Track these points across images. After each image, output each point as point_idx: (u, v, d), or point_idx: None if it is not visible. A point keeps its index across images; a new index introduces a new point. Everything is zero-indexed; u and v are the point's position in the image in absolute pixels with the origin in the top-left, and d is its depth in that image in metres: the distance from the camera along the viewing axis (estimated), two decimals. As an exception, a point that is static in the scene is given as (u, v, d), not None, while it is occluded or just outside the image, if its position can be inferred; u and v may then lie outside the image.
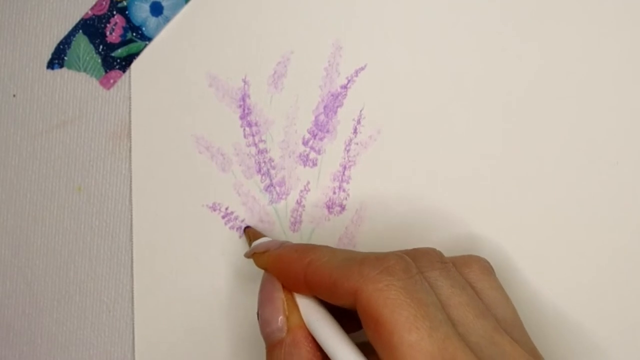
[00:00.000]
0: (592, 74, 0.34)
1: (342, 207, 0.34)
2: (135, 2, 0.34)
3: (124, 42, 0.34)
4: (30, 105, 0.35)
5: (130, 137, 0.35)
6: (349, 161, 0.34)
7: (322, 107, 0.34)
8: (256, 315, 0.29)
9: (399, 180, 0.34)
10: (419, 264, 0.27)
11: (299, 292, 0.28)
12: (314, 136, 0.34)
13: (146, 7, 0.34)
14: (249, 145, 0.34)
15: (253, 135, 0.34)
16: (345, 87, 0.34)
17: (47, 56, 0.35)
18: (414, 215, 0.34)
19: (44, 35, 0.35)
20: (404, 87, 0.34)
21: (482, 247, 0.34)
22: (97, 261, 0.35)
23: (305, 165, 0.34)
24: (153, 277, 0.35)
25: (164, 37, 0.35)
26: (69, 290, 0.35)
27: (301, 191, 0.34)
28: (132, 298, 0.35)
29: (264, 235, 0.33)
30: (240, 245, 0.34)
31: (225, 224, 0.34)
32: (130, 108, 0.35)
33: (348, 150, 0.34)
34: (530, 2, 0.34)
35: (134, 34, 0.34)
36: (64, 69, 0.35)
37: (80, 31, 0.35)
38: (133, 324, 0.35)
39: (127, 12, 0.34)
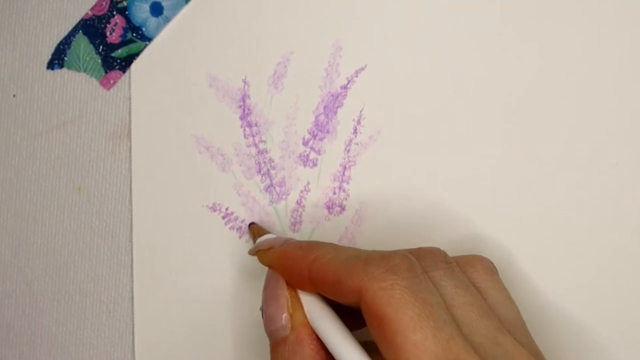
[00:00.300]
0: (592, 75, 0.34)
1: (342, 208, 0.34)
2: (135, 3, 0.34)
3: (124, 43, 0.34)
4: (30, 105, 0.35)
5: (130, 137, 0.35)
6: (349, 161, 0.34)
7: (322, 108, 0.34)
8: (260, 312, 0.29)
9: (399, 180, 0.34)
10: (423, 264, 0.27)
11: (303, 289, 0.28)
12: (314, 136, 0.34)
13: (146, 7, 0.34)
14: (249, 146, 0.34)
15: (253, 136, 0.34)
16: (345, 87, 0.34)
17: (47, 56, 0.35)
18: (414, 215, 0.34)
19: (44, 35, 0.35)
20: (404, 88, 0.34)
21: (482, 247, 0.34)
22: (97, 261, 0.35)
23: (305, 166, 0.34)
24: (153, 277, 0.35)
25: (164, 38, 0.35)
26: (69, 290, 0.35)
27: (301, 191, 0.34)
28: (132, 298, 0.35)
29: (269, 232, 0.32)
30: (240, 245, 0.34)
31: (226, 224, 0.34)
32: (130, 108, 0.35)
33: (348, 151, 0.34)
34: (530, 3, 0.34)
35: (134, 35, 0.34)
36: (64, 69, 0.35)
37: (80, 31, 0.35)
38: (133, 324, 0.35)
39: (127, 13, 0.34)
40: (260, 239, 0.31)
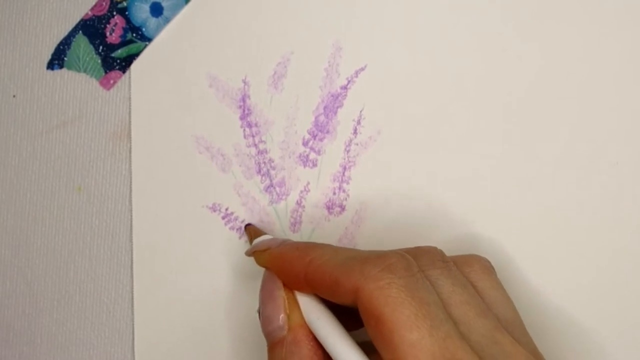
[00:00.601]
0: (593, 75, 0.34)
1: (342, 208, 0.34)
2: (135, 3, 0.34)
3: (124, 43, 0.34)
4: (30, 105, 0.35)
5: (130, 137, 0.35)
6: (349, 162, 0.34)
7: (322, 108, 0.34)
8: (257, 313, 0.29)
9: (399, 180, 0.34)
10: (420, 263, 0.27)
11: (300, 290, 0.28)
12: (314, 137, 0.34)
13: (146, 7, 0.34)
14: (249, 146, 0.34)
15: (253, 136, 0.34)
16: (345, 87, 0.34)
17: (47, 56, 0.35)
18: (414, 215, 0.34)
19: (44, 35, 0.35)
20: (404, 88, 0.34)
21: (482, 247, 0.34)
22: (97, 261, 0.35)
23: (305, 166, 0.34)
24: (153, 277, 0.35)
25: (164, 38, 0.35)
26: (69, 290, 0.35)
27: (301, 192, 0.34)
28: (132, 298, 0.35)
29: (265, 233, 0.32)
30: (240, 245, 0.34)
31: (225, 224, 0.34)
32: (130, 108, 0.35)
33: (348, 151, 0.34)
34: (530, 3, 0.34)
35: (134, 35, 0.34)
36: (64, 70, 0.35)
37: (80, 32, 0.35)
38: (133, 324, 0.35)
39: (127, 13, 0.34)
40: (256, 240, 0.31)
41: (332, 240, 0.34)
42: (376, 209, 0.34)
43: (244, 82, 0.34)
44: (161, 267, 0.34)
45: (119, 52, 0.34)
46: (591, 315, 0.34)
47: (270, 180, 0.34)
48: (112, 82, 0.35)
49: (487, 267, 0.29)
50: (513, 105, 0.34)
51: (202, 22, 0.34)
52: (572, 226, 0.34)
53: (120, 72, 0.35)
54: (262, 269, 0.30)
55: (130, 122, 0.35)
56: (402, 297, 0.24)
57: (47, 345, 0.35)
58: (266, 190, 0.34)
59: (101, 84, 0.35)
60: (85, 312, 0.35)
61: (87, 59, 0.35)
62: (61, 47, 0.35)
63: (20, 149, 0.35)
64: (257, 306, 0.29)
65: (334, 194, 0.34)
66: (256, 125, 0.34)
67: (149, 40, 0.34)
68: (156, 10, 0.34)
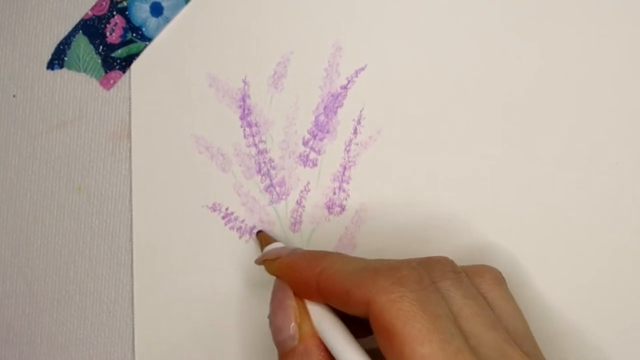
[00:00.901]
0: (592, 75, 0.34)
1: (342, 208, 0.34)
2: (135, 3, 0.34)
3: (124, 43, 0.34)
4: (30, 105, 0.35)
5: (130, 137, 0.35)
6: (349, 161, 0.34)
7: (322, 108, 0.34)
8: (268, 322, 0.29)
9: (399, 180, 0.34)
10: (431, 274, 0.26)
11: (311, 299, 0.28)
12: (314, 136, 0.34)
13: (146, 7, 0.34)
14: (249, 146, 0.34)
15: (253, 136, 0.34)
16: (345, 87, 0.34)
17: (47, 56, 0.35)
18: (414, 215, 0.34)
19: (44, 35, 0.35)
20: (404, 88, 0.34)
21: (482, 247, 0.34)
22: (97, 261, 0.35)
23: (305, 166, 0.34)
24: (153, 277, 0.35)
25: (164, 38, 0.35)
26: (69, 290, 0.35)
27: (301, 191, 0.34)
28: (132, 298, 0.35)
29: (276, 240, 0.32)
30: (240, 245, 0.34)
31: (225, 224, 0.34)
32: (130, 108, 0.35)
33: (348, 151, 0.34)
34: (530, 3, 0.34)
35: (134, 35, 0.34)
36: (64, 70, 0.35)
37: (80, 31, 0.35)
38: (133, 324, 0.35)
39: (127, 13, 0.34)
40: (267, 248, 0.31)
41: (332, 240, 0.34)
42: (376, 209, 0.34)
43: (244, 82, 0.34)
44: (161, 267, 0.34)
45: (119, 52, 0.34)
46: (591, 315, 0.34)
47: (270, 180, 0.34)
48: (112, 82, 0.35)
49: (498, 278, 0.29)
50: (513, 105, 0.34)
51: (202, 22, 0.34)
52: (572, 226, 0.34)
53: (120, 72, 0.35)
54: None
55: (130, 122, 0.35)
56: (414, 311, 0.24)
57: (47, 345, 0.35)
58: (266, 190, 0.34)
59: (101, 84, 0.35)
60: (85, 312, 0.35)
61: (87, 58, 0.35)
62: (61, 47, 0.35)
63: (20, 149, 0.35)
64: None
65: (334, 193, 0.34)
66: (256, 125, 0.34)
67: (149, 40, 0.34)
68: (156, 10, 0.34)
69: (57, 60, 0.35)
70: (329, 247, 0.34)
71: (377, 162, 0.34)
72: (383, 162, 0.34)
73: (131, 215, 0.35)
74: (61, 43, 0.35)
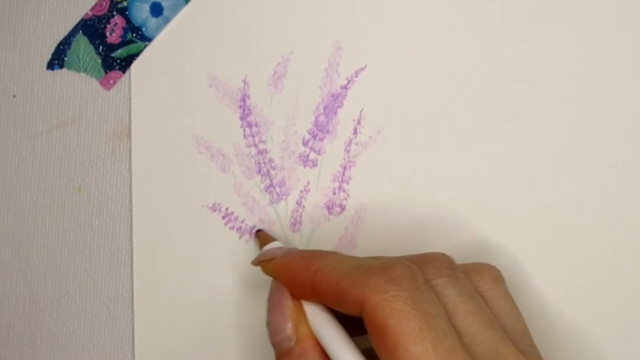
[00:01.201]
0: (592, 75, 0.34)
1: (342, 208, 0.34)
2: (135, 3, 0.34)
3: (124, 43, 0.34)
4: (30, 105, 0.35)
5: (130, 137, 0.35)
6: (349, 162, 0.34)
7: (322, 108, 0.34)
8: (265, 323, 0.29)
9: (399, 180, 0.34)
10: (427, 271, 0.27)
11: (307, 299, 0.28)
12: (314, 137, 0.34)
13: (146, 7, 0.34)
14: (249, 146, 0.34)
15: (253, 136, 0.34)
16: (345, 87, 0.34)
17: (47, 56, 0.35)
18: (414, 215, 0.34)
19: (44, 35, 0.35)
20: (404, 88, 0.34)
21: (482, 247, 0.34)
22: (97, 261, 0.35)
23: (305, 166, 0.34)
24: (153, 277, 0.35)
25: (164, 38, 0.35)
26: (69, 290, 0.35)
27: (301, 191, 0.34)
28: (132, 298, 0.35)
29: (275, 239, 0.32)
30: (240, 245, 0.34)
31: (225, 224, 0.34)
32: (130, 108, 0.35)
33: (348, 151, 0.34)
34: (530, 3, 0.34)
35: (134, 35, 0.34)
36: (64, 70, 0.35)
37: (80, 31, 0.35)
38: (133, 324, 0.35)
39: (127, 13, 0.34)
40: (263, 249, 0.31)
41: (332, 240, 0.34)
42: (376, 209, 0.34)
43: (244, 82, 0.34)
44: (161, 267, 0.34)
45: (119, 52, 0.34)
46: (591, 315, 0.34)
47: (270, 180, 0.34)
48: (112, 82, 0.35)
49: (496, 276, 0.29)
50: (513, 105, 0.34)
51: (202, 22, 0.34)
52: (572, 226, 0.34)
53: (120, 72, 0.35)
54: (264, 275, 0.30)
55: (130, 122, 0.35)
56: (407, 310, 0.24)
57: (47, 345, 0.35)
58: (266, 190, 0.34)
59: (101, 84, 0.35)
60: (85, 312, 0.35)
61: (87, 59, 0.35)
62: (61, 47, 0.35)
63: (20, 149, 0.35)
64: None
65: (334, 193, 0.34)
66: (256, 125, 0.34)
67: (149, 40, 0.34)
68: (156, 10, 0.34)
69: (57, 60, 0.35)
70: (329, 247, 0.34)
71: (377, 162, 0.34)
72: (383, 162, 0.34)
73: (131, 215, 0.35)
74: (61, 43, 0.35)
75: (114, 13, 0.34)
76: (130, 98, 0.35)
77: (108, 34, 0.34)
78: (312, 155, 0.34)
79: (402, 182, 0.34)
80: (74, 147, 0.35)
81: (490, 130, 0.34)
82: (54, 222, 0.35)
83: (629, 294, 0.34)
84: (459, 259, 0.33)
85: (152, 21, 0.34)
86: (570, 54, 0.34)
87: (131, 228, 0.35)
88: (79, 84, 0.35)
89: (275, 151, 0.34)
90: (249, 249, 0.34)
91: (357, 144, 0.34)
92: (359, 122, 0.34)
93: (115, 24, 0.34)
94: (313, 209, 0.34)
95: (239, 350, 0.34)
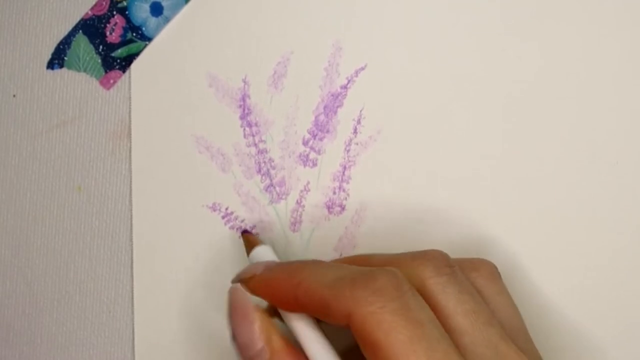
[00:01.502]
0: (592, 74, 0.34)
1: (342, 207, 0.34)
2: (135, 2, 0.34)
3: (124, 42, 0.34)
4: (30, 105, 0.35)
5: (130, 137, 0.35)
6: (349, 161, 0.34)
7: (322, 107, 0.34)
8: (230, 339, 0.28)
9: (399, 180, 0.34)
10: (426, 271, 0.26)
11: (292, 311, 0.27)
12: (314, 136, 0.34)
13: (146, 7, 0.34)
14: (249, 146, 0.34)
15: (253, 136, 0.34)
16: (345, 87, 0.34)
17: (47, 56, 0.35)
18: (414, 215, 0.34)
19: (44, 35, 0.35)
20: (404, 87, 0.34)
21: (481, 246, 0.34)
22: (97, 261, 0.35)
23: (305, 166, 0.34)
24: (153, 277, 0.35)
25: (164, 37, 0.35)
26: (69, 290, 0.35)
27: (301, 191, 0.34)
28: (132, 298, 0.35)
29: (261, 241, 0.32)
30: (240, 245, 0.34)
31: (225, 224, 0.34)
32: (130, 108, 0.35)
33: (348, 151, 0.34)
34: (530, 3, 0.34)
35: (134, 34, 0.34)
36: (64, 69, 0.35)
37: (80, 31, 0.35)
38: (133, 324, 0.35)
39: (127, 12, 0.34)
40: (240, 272, 0.29)
41: (332, 240, 0.34)
42: (376, 209, 0.34)
43: (244, 81, 0.34)
44: (161, 267, 0.34)
45: (119, 52, 0.34)
46: (591, 315, 0.34)
47: (270, 180, 0.34)
48: (112, 81, 0.35)
49: (493, 272, 0.29)
50: (513, 105, 0.34)
51: (202, 22, 0.34)
52: (572, 226, 0.34)
53: (120, 72, 0.35)
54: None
55: (130, 121, 0.35)
56: (396, 321, 0.24)
57: (47, 345, 0.35)
58: (266, 190, 0.34)
59: (101, 83, 0.35)
60: (85, 312, 0.35)
61: (87, 58, 0.35)
62: (61, 46, 0.35)
63: (20, 149, 0.35)
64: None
65: (334, 193, 0.34)
66: (256, 124, 0.34)
67: (149, 39, 0.34)
68: (156, 9, 0.34)
69: (57, 60, 0.35)
70: (329, 247, 0.34)
71: (377, 162, 0.34)
72: (383, 162, 0.34)
73: (131, 215, 0.35)
74: (61, 43, 0.35)
75: (114, 13, 0.34)
76: (130, 98, 0.35)
77: (108, 33, 0.34)
78: (312, 155, 0.34)
79: (402, 182, 0.34)
80: (74, 147, 0.35)
81: (490, 130, 0.34)
82: (54, 222, 0.35)
83: (629, 293, 0.34)
84: (459, 257, 0.33)
85: (152, 21, 0.34)
86: (570, 54, 0.34)
87: (131, 228, 0.35)
88: (79, 83, 0.35)
89: (275, 151, 0.34)
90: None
91: (357, 144, 0.34)
92: (359, 122, 0.34)
93: (115, 23, 0.34)
94: (313, 209, 0.34)
95: (239, 350, 0.34)
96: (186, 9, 0.35)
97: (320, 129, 0.34)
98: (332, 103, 0.34)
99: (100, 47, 0.34)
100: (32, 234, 0.35)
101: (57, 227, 0.35)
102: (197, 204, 0.34)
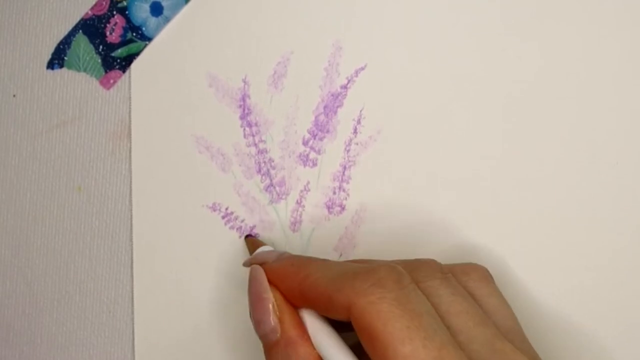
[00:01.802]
0: (592, 74, 0.34)
1: (342, 207, 0.34)
2: (135, 2, 0.34)
3: (124, 42, 0.34)
4: (30, 105, 0.35)
5: (130, 137, 0.35)
6: (349, 161, 0.34)
7: (322, 107, 0.34)
8: (249, 316, 0.29)
9: (398, 180, 0.34)
10: (419, 274, 0.27)
11: (296, 305, 0.28)
12: (314, 136, 0.34)
13: (146, 7, 0.34)
14: (249, 146, 0.34)
15: (253, 136, 0.34)
16: (345, 87, 0.34)
17: (47, 56, 0.35)
18: (414, 215, 0.34)
19: (44, 35, 0.35)
20: (404, 87, 0.34)
21: (481, 247, 0.34)
22: (97, 261, 0.35)
23: (305, 165, 0.34)
24: (153, 277, 0.35)
25: (164, 37, 0.35)
26: (69, 290, 0.35)
27: (301, 191, 0.34)
28: (132, 298, 0.35)
29: (265, 244, 0.33)
30: (240, 245, 0.34)
31: (225, 224, 0.34)
32: (130, 108, 0.35)
33: (348, 151, 0.34)
34: (530, 2, 0.34)
35: (134, 34, 0.34)
36: (64, 69, 0.35)
37: (80, 31, 0.35)
38: (133, 324, 0.35)
39: (127, 12, 0.34)
40: (256, 252, 0.31)
41: (332, 240, 0.34)
42: (376, 209, 0.34)
43: (244, 81, 0.34)
44: (161, 267, 0.34)
45: (119, 52, 0.34)
46: (591, 316, 0.34)
47: (270, 180, 0.34)
48: (112, 81, 0.35)
49: (484, 275, 0.29)
50: (513, 105, 0.34)
51: (202, 22, 0.34)
52: (572, 226, 0.34)
53: (120, 72, 0.35)
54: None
55: (130, 121, 0.35)
56: (394, 311, 0.24)
57: (47, 345, 0.35)
58: (266, 190, 0.34)
59: (101, 83, 0.35)
60: (85, 312, 0.35)
61: (87, 58, 0.35)
62: (61, 46, 0.35)
63: (20, 149, 0.35)
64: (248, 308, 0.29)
65: (334, 193, 0.34)
66: (256, 124, 0.34)
67: (149, 39, 0.34)
68: (156, 9, 0.34)
69: (57, 60, 0.35)
70: (329, 247, 0.34)
71: (377, 162, 0.34)
72: (383, 162, 0.34)
73: (131, 215, 0.35)
74: (61, 43, 0.35)
75: (114, 12, 0.34)
76: (130, 98, 0.35)
77: (108, 33, 0.34)
78: (312, 155, 0.34)
79: (402, 182, 0.34)
80: (74, 147, 0.35)
81: (490, 130, 0.34)
82: (54, 222, 0.35)
83: (629, 294, 0.34)
84: (459, 258, 0.33)
85: (152, 21, 0.34)
86: (570, 54, 0.34)
87: (131, 228, 0.35)
88: (79, 83, 0.35)
89: (275, 151, 0.34)
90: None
91: (357, 144, 0.34)
92: (359, 122, 0.34)
93: (115, 23, 0.34)
94: (313, 209, 0.34)
95: (239, 350, 0.34)
96: (186, 9, 0.35)
97: (320, 129, 0.34)
98: (332, 103, 0.34)
99: (100, 47, 0.34)
100: (32, 234, 0.35)
101: (57, 227, 0.35)
102: (197, 204, 0.34)
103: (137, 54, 0.34)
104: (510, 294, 0.33)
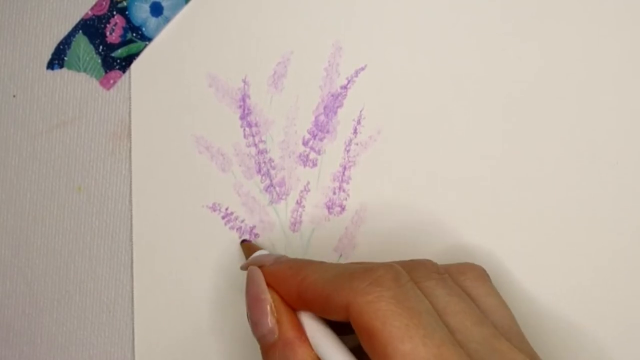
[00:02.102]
0: (592, 74, 0.34)
1: (342, 208, 0.34)
2: (135, 3, 0.34)
3: (124, 43, 0.34)
4: (30, 105, 0.35)
5: (130, 137, 0.35)
6: (349, 161, 0.34)
7: (322, 108, 0.34)
8: (247, 317, 0.29)
9: (399, 180, 0.34)
10: (416, 274, 0.27)
11: (294, 307, 0.28)
12: (314, 136, 0.34)
13: (146, 7, 0.34)
14: (249, 146, 0.34)
15: (253, 136, 0.34)
16: (345, 87, 0.34)
17: (47, 56, 0.35)
18: (414, 215, 0.34)
19: (44, 35, 0.35)
20: (404, 88, 0.34)
21: (481, 247, 0.34)
22: (97, 261, 0.35)
23: (305, 166, 0.34)
24: (153, 277, 0.35)
25: (164, 38, 0.35)
26: (69, 290, 0.35)
27: (301, 191, 0.34)
28: (132, 298, 0.35)
29: (261, 248, 0.33)
30: (240, 245, 0.34)
31: (225, 224, 0.34)
32: (130, 108, 0.35)
33: (348, 151, 0.34)
34: (530, 2, 0.34)
35: (134, 34, 0.34)
36: (64, 69, 0.35)
37: (80, 31, 0.35)
38: (133, 324, 0.35)
39: (127, 13, 0.34)
40: (253, 255, 0.31)
41: (332, 240, 0.34)
42: (376, 209, 0.34)
43: (244, 81, 0.34)
44: (161, 267, 0.34)
45: (119, 52, 0.34)
46: (591, 317, 0.34)
47: (270, 180, 0.34)
48: (112, 81, 0.35)
49: (481, 274, 0.29)
50: (513, 105, 0.34)
51: (202, 22, 0.34)
52: (572, 226, 0.34)
53: (120, 72, 0.35)
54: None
55: (130, 122, 0.35)
56: (392, 309, 0.24)
57: (47, 345, 0.35)
58: (266, 190, 0.34)
59: (101, 83, 0.35)
60: (85, 312, 0.35)
61: (87, 58, 0.35)
62: (61, 47, 0.35)
63: (20, 149, 0.35)
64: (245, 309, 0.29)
65: (334, 193, 0.34)
66: (256, 125, 0.34)
67: (149, 40, 0.34)
68: (156, 10, 0.34)
69: (57, 60, 0.35)
70: (329, 247, 0.34)
71: (377, 162, 0.34)
72: (383, 162, 0.34)
73: (131, 215, 0.35)
74: (61, 43, 0.35)
75: (114, 13, 0.34)
76: (130, 98, 0.35)
77: (108, 33, 0.34)
78: (312, 155, 0.34)
79: (402, 182, 0.34)
80: (74, 147, 0.35)
81: (490, 130, 0.34)
82: (54, 222, 0.35)
83: (629, 294, 0.34)
84: (459, 258, 0.33)
85: (152, 21, 0.34)
86: (570, 54, 0.34)
87: (131, 228, 0.35)
88: (79, 83, 0.35)
89: (275, 151, 0.34)
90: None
91: (357, 144, 0.34)
92: (359, 122, 0.34)
93: (115, 23, 0.34)
94: (313, 209, 0.34)
95: (238, 350, 0.34)
96: (186, 9, 0.34)
97: (320, 129, 0.34)
98: (332, 103, 0.34)
99: (100, 47, 0.34)
100: (32, 234, 0.35)
101: (57, 227, 0.35)
102: (197, 204, 0.34)
103: (137, 54, 0.34)
104: (510, 294, 0.33)
